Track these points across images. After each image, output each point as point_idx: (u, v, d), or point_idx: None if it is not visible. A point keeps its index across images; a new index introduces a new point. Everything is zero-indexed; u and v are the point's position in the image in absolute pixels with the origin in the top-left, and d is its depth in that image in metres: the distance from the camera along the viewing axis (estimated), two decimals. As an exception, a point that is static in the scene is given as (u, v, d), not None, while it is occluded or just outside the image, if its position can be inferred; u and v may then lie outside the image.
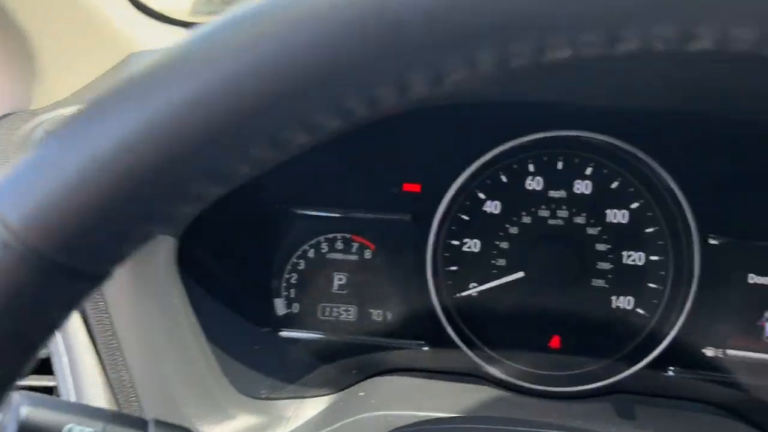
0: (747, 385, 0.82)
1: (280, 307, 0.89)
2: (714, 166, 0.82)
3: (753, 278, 0.81)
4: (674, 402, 0.82)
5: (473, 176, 0.86)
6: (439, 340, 0.87)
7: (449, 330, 0.86)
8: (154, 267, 0.71)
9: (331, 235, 0.88)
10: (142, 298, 0.69)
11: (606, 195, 0.84)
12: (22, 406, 0.46)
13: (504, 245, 0.86)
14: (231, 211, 0.83)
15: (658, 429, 0.74)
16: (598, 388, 0.82)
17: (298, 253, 0.88)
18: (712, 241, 0.81)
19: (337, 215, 0.88)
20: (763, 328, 0.81)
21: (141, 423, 0.53)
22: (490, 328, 0.87)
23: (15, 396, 0.51)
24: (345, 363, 0.87)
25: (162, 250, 0.72)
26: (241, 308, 0.86)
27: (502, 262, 0.86)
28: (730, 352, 0.82)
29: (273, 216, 0.89)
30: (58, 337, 0.70)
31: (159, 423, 0.54)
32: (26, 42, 0.91)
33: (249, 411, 0.77)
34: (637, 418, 0.76)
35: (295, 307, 0.89)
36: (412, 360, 0.87)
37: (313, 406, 0.81)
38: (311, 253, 0.88)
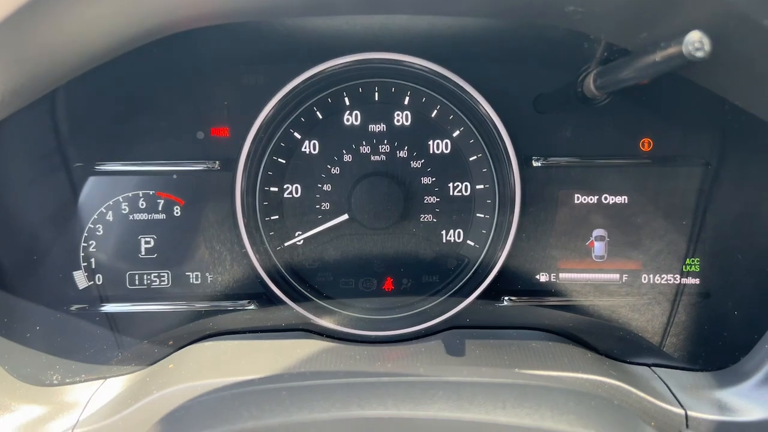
0: (579, 308, 0.82)
1: (80, 280, 0.78)
2: (527, 88, 0.80)
3: (579, 198, 0.80)
4: (508, 332, 0.80)
5: (286, 115, 0.79)
6: (264, 298, 0.80)
7: (272, 286, 0.79)
8: None
9: (131, 194, 0.78)
10: None
11: (426, 125, 0.80)
12: None
13: (326, 187, 0.80)
14: (27, 177, 0.73)
15: (486, 363, 0.72)
16: (432, 327, 0.79)
17: (95, 217, 0.77)
18: (535, 164, 0.79)
19: (140, 169, 0.78)
20: (591, 248, 0.81)
21: None
22: (319, 277, 0.81)
23: None
24: (159, 336, 0.78)
25: None
26: (35, 287, 0.74)
27: (326, 206, 0.80)
28: (562, 275, 0.81)
29: (69, 177, 0.78)
30: None
31: None
32: None
33: (34, 401, 0.67)
34: (467, 354, 0.73)
35: (98, 279, 0.78)
36: (236, 322, 0.79)
37: (115, 386, 0.71)
38: (110, 216, 0.77)
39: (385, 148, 0.81)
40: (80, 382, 0.72)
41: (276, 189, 0.80)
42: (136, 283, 0.79)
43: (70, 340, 0.77)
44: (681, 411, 0.68)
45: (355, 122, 0.79)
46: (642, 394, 0.71)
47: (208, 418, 0.58)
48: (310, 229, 0.80)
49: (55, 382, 0.71)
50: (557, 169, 0.79)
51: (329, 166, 0.80)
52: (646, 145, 0.81)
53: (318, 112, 0.79)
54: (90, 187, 0.77)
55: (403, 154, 0.81)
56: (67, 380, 0.72)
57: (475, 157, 0.80)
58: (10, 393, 0.66)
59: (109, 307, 0.79)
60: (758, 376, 0.70)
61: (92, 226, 0.78)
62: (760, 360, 0.69)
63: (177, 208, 0.80)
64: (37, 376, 0.69)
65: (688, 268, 0.81)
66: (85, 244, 0.79)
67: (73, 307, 0.78)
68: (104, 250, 0.79)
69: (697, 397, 0.71)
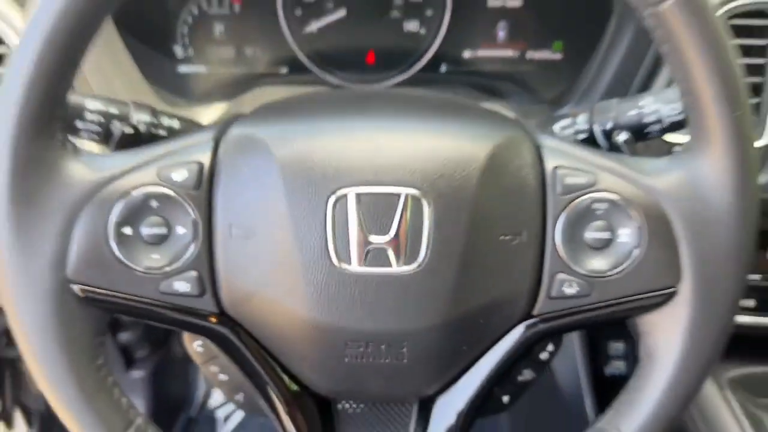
0: (490, 77, 1.21)
1: (179, 51, 1.15)
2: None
3: (491, 2, 1.16)
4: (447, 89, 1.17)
5: None
6: (294, 65, 1.16)
7: (299, 56, 1.15)
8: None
9: None
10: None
11: None
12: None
13: None
14: None
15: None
16: (397, 84, 1.14)
17: (186, 11, 1.15)
18: None
19: None
20: (496, 34, 1.19)
21: (123, 103, 0.75)
22: (327, 53, 1.19)
23: None
24: (231, 86, 1.18)
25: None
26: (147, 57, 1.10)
27: (330, 5, 1.13)
28: (480, 52, 1.20)
29: None
30: None
31: (135, 103, 0.75)
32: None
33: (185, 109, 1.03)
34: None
35: (190, 50, 1.15)
36: (276, 80, 1.19)
37: (216, 108, 1.07)
38: (195, 10, 1.15)
39: None
40: (195, 106, 1.07)
41: None
42: (213, 54, 1.19)
43: (182, 86, 1.19)
44: None
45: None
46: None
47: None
48: (321, 21, 1.16)
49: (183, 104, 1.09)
50: None
51: None
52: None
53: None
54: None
55: None
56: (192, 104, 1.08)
57: None
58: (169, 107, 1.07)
59: (199, 68, 1.19)
60: None
61: (185, 17, 1.16)
62: None
63: (236, 6, 1.14)
64: (177, 97, 1.09)
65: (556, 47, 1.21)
66: (181, 28, 1.17)
67: (173, 65, 1.20)
68: (193, 33, 1.18)
69: None
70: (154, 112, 0.76)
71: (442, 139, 0.61)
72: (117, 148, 0.70)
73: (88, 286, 0.59)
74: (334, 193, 0.59)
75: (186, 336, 0.68)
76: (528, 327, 0.63)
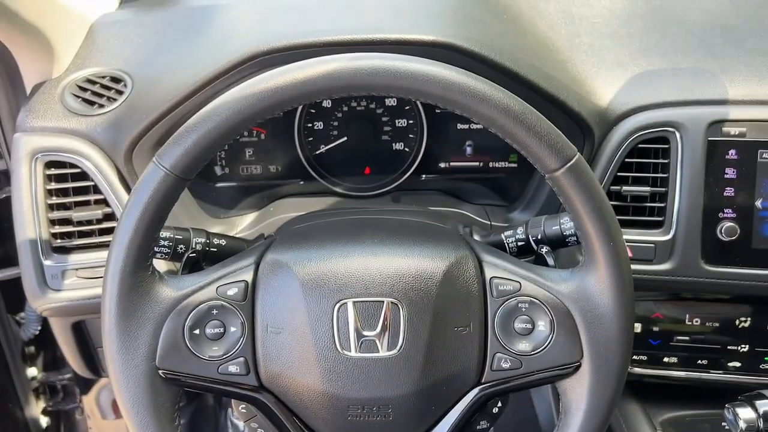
0: (460, 180, 1.31)
1: (218, 170, 1.30)
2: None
3: (459, 126, 1.28)
4: (426, 192, 1.31)
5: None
6: (307, 177, 1.29)
7: (311, 171, 1.29)
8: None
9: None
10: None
11: (386, 103, 1.27)
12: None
13: (335, 123, 1.27)
14: None
15: (412, 205, 1.24)
16: (388, 190, 1.28)
17: None
18: (438, 111, 1.25)
19: None
20: (465, 150, 1.32)
21: (184, 228, 0.94)
22: (333, 168, 1.29)
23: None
24: (259, 196, 1.29)
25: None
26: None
27: (335, 132, 1.28)
28: (452, 163, 1.31)
29: None
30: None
31: (193, 229, 0.96)
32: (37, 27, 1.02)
33: (216, 224, 1.20)
34: (401, 201, 1.26)
35: (226, 170, 1.30)
36: (294, 189, 1.30)
37: (248, 217, 1.23)
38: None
39: (364, 103, 1.27)
40: (232, 216, 1.24)
41: (310, 125, 1.30)
42: (244, 172, 1.34)
43: (219, 199, 1.28)
44: None
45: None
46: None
47: None
48: (328, 145, 1.32)
49: (221, 216, 1.25)
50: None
51: (336, 112, 1.28)
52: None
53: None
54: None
55: (373, 106, 1.26)
56: (225, 216, 1.24)
57: (409, 107, 1.29)
58: (206, 219, 1.25)
59: (233, 184, 1.31)
60: None
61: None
62: None
63: (262, 135, 1.28)
64: (213, 214, 1.24)
65: (512, 158, 1.42)
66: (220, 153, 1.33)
67: (213, 183, 1.33)
68: (230, 155, 1.30)
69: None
70: (208, 235, 0.96)
71: (412, 260, 0.80)
72: (185, 266, 0.88)
73: (170, 371, 0.76)
74: (338, 301, 0.78)
75: (234, 401, 0.83)
76: (480, 390, 0.81)
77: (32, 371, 1.57)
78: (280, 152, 1.30)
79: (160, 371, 0.76)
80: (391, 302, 0.78)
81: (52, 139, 1.03)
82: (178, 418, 0.78)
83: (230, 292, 0.79)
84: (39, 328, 1.44)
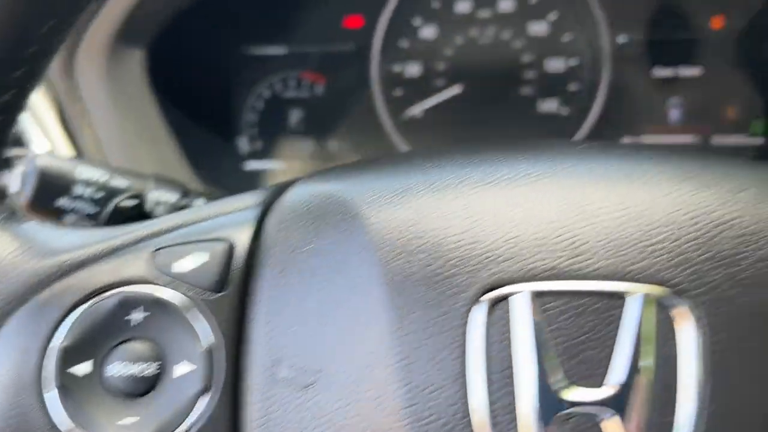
0: None
1: (243, 144, 1.02)
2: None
3: (657, 71, 0.97)
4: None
5: (410, 4, 0.98)
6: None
7: (400, 147, 1.00)
8: (126, 77, 0.82)
9: (283, 75, 1.00)
10: (119, 107, 0.79)
11: (526, 10, 0.98)
12: (38, 158, 0.56)
13: (440, 66, 0.99)
14: (186, 55, 0.93)
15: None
16: None
17: (255, 94, 1.00)
18: (621, 41, 0.95)
19: (285, 53, 0.99)
20: (667, 114, 0.98)
21: (141, 176, 0.65)
22: (436, 141, 1.01)
23: (31, 154, 0.60)
24: None
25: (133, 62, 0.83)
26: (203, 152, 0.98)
27: (440, 82, 0.99)
28: (644, 137, 0.99)
29: (224, 56, 1.00)
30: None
31: (159, 178, 0.66)
32: None
33: None
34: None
35: (258, 144, 1.02)
36: None
37: None
38: (266, 94, 1.00)
39: (490, 31, 0.99)
40: None
41: (400, 69, 1.00)
42: (286, 149, 1.03)
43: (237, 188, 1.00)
44: None
45: (465, 11, 0.97)
46: None
47: None
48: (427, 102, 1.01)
49: None
50: (642, 46, 0.95)
51: (443, 49, 0.99)
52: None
53: (434, 3, 0.98)
54: (249, 66, 1.00)
55: (506, 36, 0.98)
56: None
57: (569, 38, 0.97)
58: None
59: (267, 164, 1.03)
60: None
61: (252, 102, 1.00)
62: None
63: (319, 87, 1.01)
64: None
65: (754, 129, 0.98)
66: (245, 116, 1.02)
67: (237, 163, 1.02)
68: (263, 122, 1.02)
69: None
70: (185, 193, 0.64)
71: (691, 199, 0.39)
72: (111, 218, 0.57)
73: None
74: (486, 293, 0.37)
75: None
76: None
77: None
78: (348, 117, 1.03)
79: None
80: (656, 297, 0.36)
81: None
82: None
83: (185, 265, 0.39)
84: None
